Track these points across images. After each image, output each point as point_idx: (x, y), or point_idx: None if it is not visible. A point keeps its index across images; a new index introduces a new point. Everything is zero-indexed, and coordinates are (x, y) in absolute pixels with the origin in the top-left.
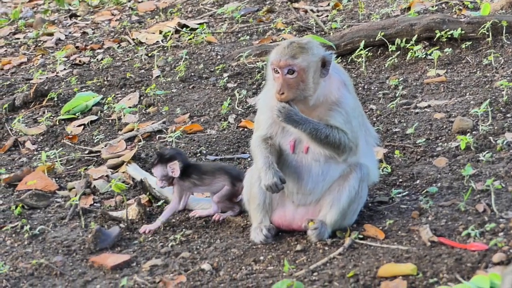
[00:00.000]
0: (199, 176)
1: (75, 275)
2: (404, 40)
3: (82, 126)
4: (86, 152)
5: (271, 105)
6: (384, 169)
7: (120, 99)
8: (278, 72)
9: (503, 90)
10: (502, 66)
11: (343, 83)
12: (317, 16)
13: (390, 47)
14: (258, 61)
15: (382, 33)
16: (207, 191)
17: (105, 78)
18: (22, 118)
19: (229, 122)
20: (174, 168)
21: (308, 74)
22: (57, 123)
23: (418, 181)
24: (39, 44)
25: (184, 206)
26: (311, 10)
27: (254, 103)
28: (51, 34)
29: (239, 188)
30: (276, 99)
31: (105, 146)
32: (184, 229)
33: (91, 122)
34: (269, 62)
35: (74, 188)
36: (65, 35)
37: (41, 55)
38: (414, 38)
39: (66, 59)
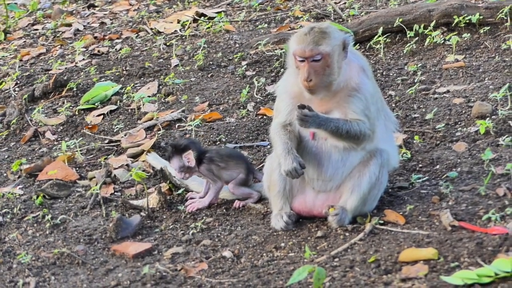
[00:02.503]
0: (222, 159)
1: (97, 264)
2: (422, 26)
3: (102, 116)
4: (106, 141)
5: (290, 92)
6: (404, 154)
7: (139, 89)
8: (304, 61)
9: None
10: None
11: (362, 68)
12: (335, 3)
13: (408, 33)
14: (276, 49)
15: (400, 19)
16: (228, 176)
17: (123, 67)
18: (42, 108)
19: (248, 110)
20: (190, 158)
21: (333, 58)
22: (77, 113)
23: (438, 166)
24: (58, 35)
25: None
26: None
27: (273, 90)
28: (69, 25)
29: (250, 179)
30: (304, 86)
31: (125, 135)
32: (204, 217)
33: (111, 111)
34: (290, 50)
35: (94, 177)
36: (83, 26)
37: (59, 46)
38: (432, 24)
39: (84, 49)
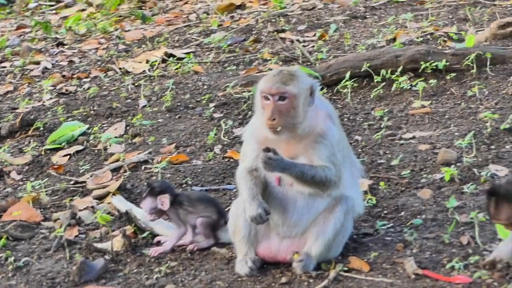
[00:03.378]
0: (191, 203)
1: None
2: (389, 71)
3: (68, 156)
4: (72, 182)
5: (257, 136)
6: (369, 200)
7: (106, 129)
8: (269, 99)
9: (487, 122)
10: (486, 97)
11: (329, 115)
12: (303, 46)
13: (376, 78)
14: (244, 91)
15: (368, 64)
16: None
17: (91, 107)
18: (8, 147)
19: (215, 153)
20: (164, 201)
21: (299, 101)
22: (43, 153)
23: (402, 213)
24: (26, 73)
25: (193, 237)
26: (297, 40)
27: (240, 133)
28: (37, 63)
29: (221, 223)
30: (267, 126)
31: (91, 176)
32: (169, 261)
33: (77, 152)
34: (258, 90)
35: (59, 219)
36: (52, 64)
37: (27, 84)
38: (399, 69)
39: (52, 88)
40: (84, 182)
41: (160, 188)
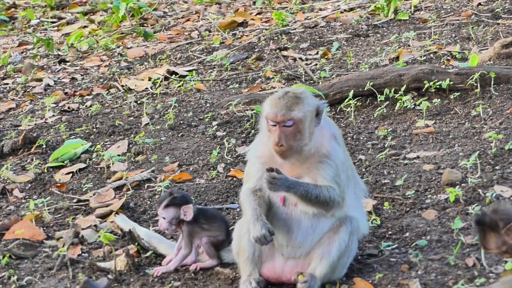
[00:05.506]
0: (207, 221)
1: None
2: (393, 90)
3: (71, 174)
4: (75, 200)
5: (261, 157)
6: (374, 221)
7: (109, 147)
8: (275, 125)
9: (492, 142)
10: (491, 117)
11: (334, 136)
12: (306, 64)
13: (379, 97)
14: (247, 110)
15: (371, 83)
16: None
17: (94, 125)
18: (10, 165)
19: (218, 171)
20: (188, 212)
21: (305, 124)
22: (46, 171)
23: (407, 234)
24: (28, 90)
25: (196, 256)
26: (300, 59)
27: (243, 152)
28: (40, 80)
29: (226, 243)
30: (275, 151)
31: (94, 195)
32: (172, 281)
33: (80, 170)
34: (263, 114)
35: (62, 237)
36: (54, 81)
37: (29, 101)
38: (402, 88)
39: (55, 105)
40: (87, 200)
41: (185, 198)
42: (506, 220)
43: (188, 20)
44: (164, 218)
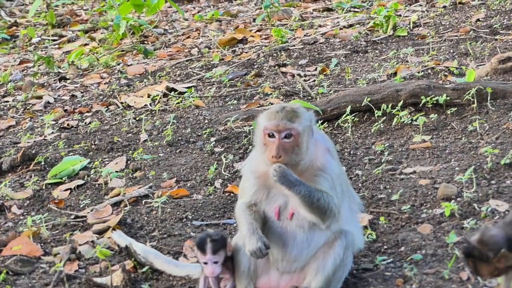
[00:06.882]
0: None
1: None
2: (390, 105)
3: (69, 191)
4: (72, 217)
5: (256, 171)
6: (369, 235)
7: (107, 163)
8: (274, 137)
9: (488, 157)
10: (487, 132)
11: (328, 149)
12: (305, 80)
13: (376, 113)
14: (245, 126)
15: (368, 99)
16: None
17: (92, 142)
18: (9, 182)
19: (215, 187)
20: (230, 247)
21: (303, 138)
22: (44, 188)
23: (402, 248)
24: (28, 107)
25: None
26: (298, 75)
27: (240, 168)
28: (40, 97)
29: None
30: (272, 163)
31: (91, 211)
32: None
33: (78, 186)
34: (260, 127)
35: (59, 253)
36: (54, 98)
37: (29, 119)
38: (400, 104)
39: (54, 122)
40: (85, 216)
41: (222, 235)
42: (495, 251)
43: (188, 37)
44: (216, 263)
